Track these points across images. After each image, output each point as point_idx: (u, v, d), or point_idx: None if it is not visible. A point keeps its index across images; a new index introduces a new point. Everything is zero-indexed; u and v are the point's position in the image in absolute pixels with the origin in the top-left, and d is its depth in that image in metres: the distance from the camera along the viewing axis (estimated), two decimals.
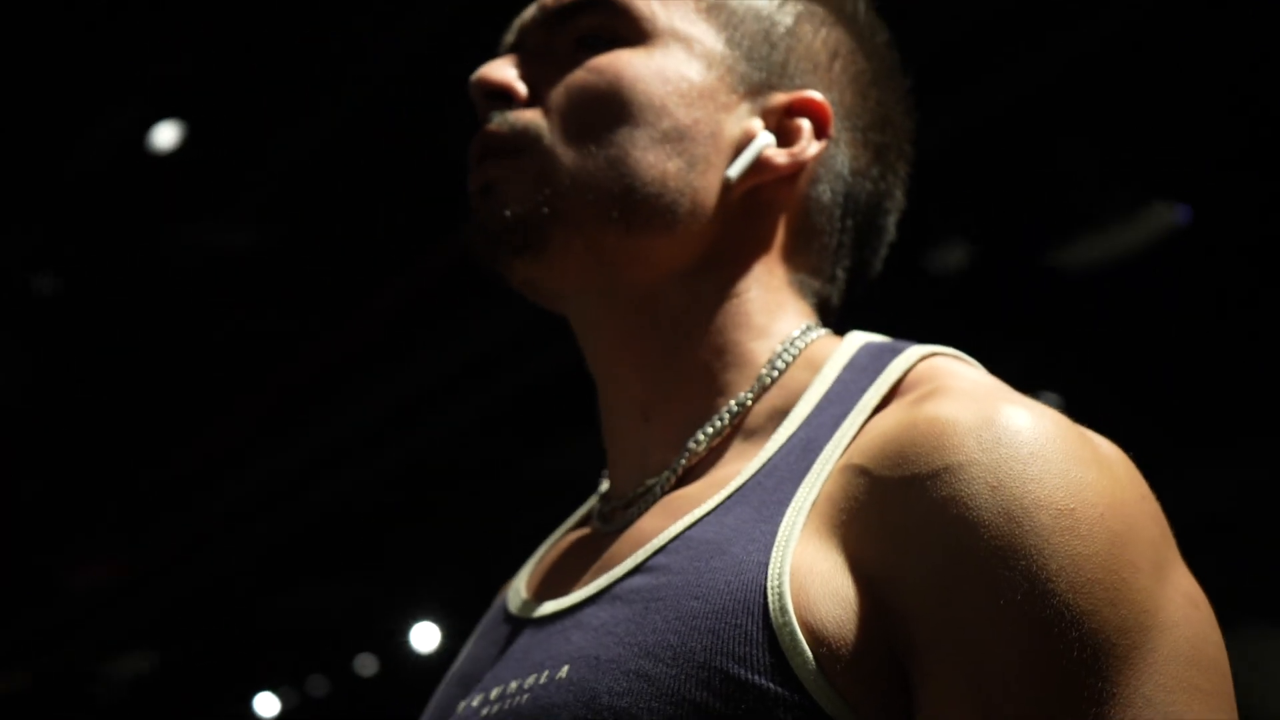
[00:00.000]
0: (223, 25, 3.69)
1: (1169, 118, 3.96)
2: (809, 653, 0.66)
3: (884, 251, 0.96)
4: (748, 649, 0.67)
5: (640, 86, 0.84)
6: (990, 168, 4.14)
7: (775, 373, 0.86)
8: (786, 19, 0.89)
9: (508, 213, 0.84)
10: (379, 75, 3.86)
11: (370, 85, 3.90)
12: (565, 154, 0.85)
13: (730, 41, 0.87)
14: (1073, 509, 0.64)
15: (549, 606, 0.83)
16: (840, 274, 0.93)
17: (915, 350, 0.81)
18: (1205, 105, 3.93)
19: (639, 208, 0.84)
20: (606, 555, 0.83)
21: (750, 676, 0.67)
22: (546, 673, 0.76)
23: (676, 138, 0.84)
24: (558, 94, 0.86)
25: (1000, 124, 3.82)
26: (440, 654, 8.36)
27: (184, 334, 4.95)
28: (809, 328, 0.89)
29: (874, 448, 0.73)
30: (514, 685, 0.78)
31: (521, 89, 0.87)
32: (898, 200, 0.96)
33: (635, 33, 0.86)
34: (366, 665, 9.24)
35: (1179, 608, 0.65)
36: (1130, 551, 0.64)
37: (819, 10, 0.92)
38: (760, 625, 0.68)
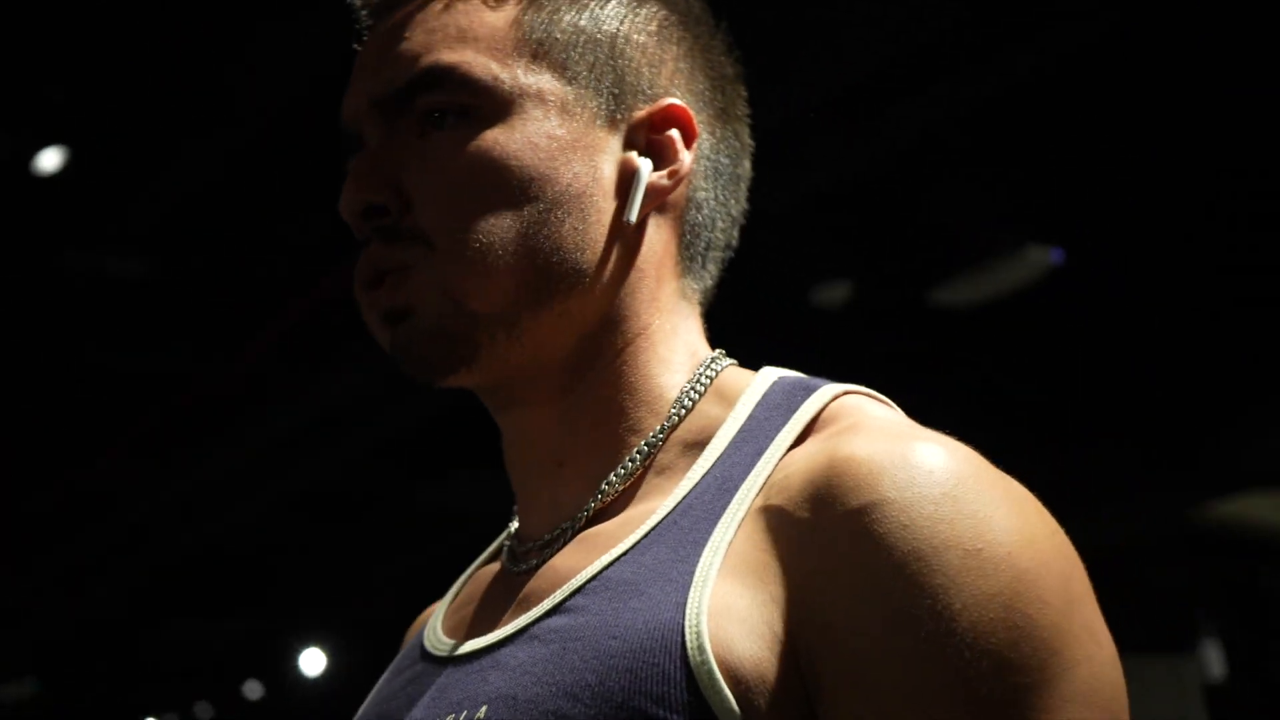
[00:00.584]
0: (110, 51, 3.56)
1: (1045, 169, 4.13)
2: (728, 692, 0.66)
3: (742, 222, 0.94)
4: (666, 689, 0.67)
5: (514, 164, 0.81)
6: (880, 210, 4.22)
7: (684, 408, 0.85)
8: (609, 26, 0.85)
9: (429, 332, 0.81)
10: (270, 105, 3.73)
11: (261, 116, 3.77)
12: (464, 257, 0.80)
13: (573, 80, 0.83)
14: (979, 549, 0.64)
15: (467, 646, 0.82)
16: (713, 265, 0.92)
17: (829, 388, 0.81)
18: (1080, 157, 4.08)
19: (549, 280, 0.82)
20: (523, 595, 0.82)
21: (668, 716, 0.66)
22: (465, 713, 0.75)
23: (564, 200, 0.82)
24: (435, 193, 0.81)
25: (888, 170, 3.91)
26: (326, 678, 8.47)
27: (66, 364, 4.83)
28: (715, 358, 0.88)
29: (791, 487, 0.72)
30: None
31: (388, 201, 0.82)
32: (749, 152, 0.93)
33: (484, 102, 0.81)
34: (253, 690, 9.25)
35: (1083, 645, 0.65)
36: (1037, 589, 0.65)
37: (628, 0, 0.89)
38: (679, 665, 0.68)
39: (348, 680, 8.41)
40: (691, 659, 0.67)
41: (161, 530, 5.83)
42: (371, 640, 8.11)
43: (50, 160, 3.81)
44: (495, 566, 0.92)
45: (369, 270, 0.83)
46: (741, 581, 0.70)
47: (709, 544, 0.73)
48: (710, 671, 0.66)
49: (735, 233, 0.93)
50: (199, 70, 3.67)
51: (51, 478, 5.67)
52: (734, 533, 0.73)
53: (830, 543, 0.67)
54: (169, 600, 6.99)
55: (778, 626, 0.68)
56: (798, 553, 0.69)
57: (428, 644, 0.88)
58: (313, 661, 8.44)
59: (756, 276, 4.19)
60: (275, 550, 6.94)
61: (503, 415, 0.88)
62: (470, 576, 0.96)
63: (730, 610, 0.68)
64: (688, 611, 0.69)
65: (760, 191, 0.93)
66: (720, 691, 0.65)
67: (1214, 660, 6.30)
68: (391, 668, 0.95)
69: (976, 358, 5.09)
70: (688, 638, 0.67)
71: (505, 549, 0.91)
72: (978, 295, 4.33)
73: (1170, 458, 5.36)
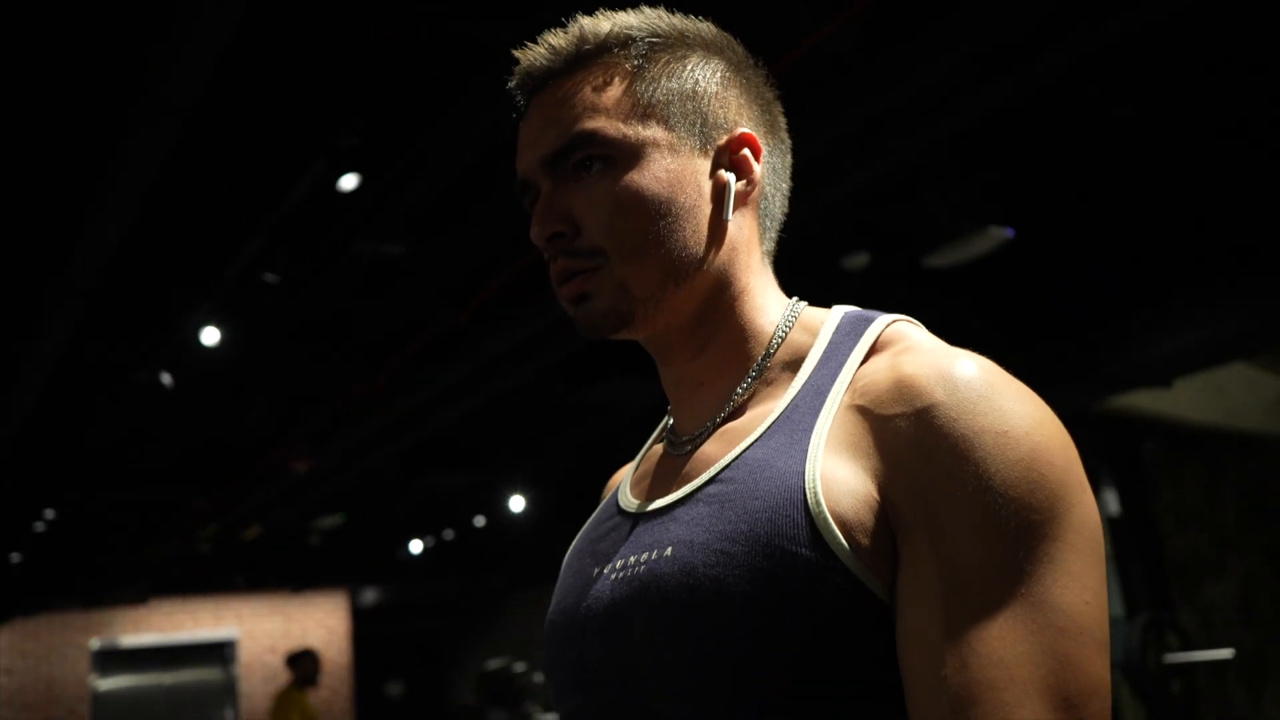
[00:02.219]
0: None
1: (1004, 165, 4.27)
2: (838, 532, 0.68)
3: (788, 204, 0.93)
4: (795, 530, 0.69)
5: (648, 194, 0.81)
6: (886, 205, 4.47)
7: (780, 339, 0.85)
8: (691, 84, 0.84)
9: (603, 311, 0.83)
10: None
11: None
12: (629, 262, 0.81)
13: (674, 128, 0.83)
14: (1006, 431, 0.66)
15: (651, 505, 0.83)
16: (774, 234, 0.92)
17: (883, 318, 0.82)
18: (1039, 156, 4.24)
19: (683, 271, 0.82)
20: (685, 470, 0.83)
21: (799, 550, 0.68)
22: (656, 551, 0.77)
23: (683, 213, 0.82)
24: (599, 220, 0.82)
25: (890, 181, 4.03)
26: (525, 517, 8.68)
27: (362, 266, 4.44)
28: (795, 302, 0.89)
29: (869, 391, 0.74)
30: (633, 559, 0.79)
31: (566, 229, 0.83)
32: (789, 148, 0.93)
33: (617, 153, 0.81)
34: (480, 521, 9.55)
35: (1076, 493, 0.66)
36: (1047, 455, 0.66)
37: (700, 54, 0.87)
38: (804, 514, 0.69)
39: (540, 520, 8.83)
40: (812, 510, 0.69)
41: (418, 420, 5.95)
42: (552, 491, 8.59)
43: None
44: (659, 449, 0.93)
45: (560, 273, 0.84)
46: (840, 456, 0.72)
47: (814, 431, 0.75)
48: (825, 517, 0.69)
49: (786, 206, 0.93)
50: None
51: (357, 378, 5.72)
52: (831, 423, 0.74)
53: (904, 431, 0.70)
54: (425, 458, 7.17)
55: (870, 487, 0.70)
56: (881, 438, 0.71)
57: (621, 502, 0.89)
58: (517, 504, 8.67)
59: (806, 247, 4.73)
60: (488, 432, 7.25)
61: (658, 356, 0.89)
62: (644, 456, 0.96)
63: (834, 476, 0.71)
64: (807, 478, 0.71)
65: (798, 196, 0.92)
66: (833, 532, 0.68)
67: (1112, 501, 6.52)
68: (593, 519, 0.95)
69: (952, 301, 5.29)
70: (808, 495, 0.70)
71: (666, 439, 0.92)
72: (952, 260, 4.41)
73: (1080, 365, 5.42)
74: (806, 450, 0.73)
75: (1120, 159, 4.19)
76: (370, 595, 12.83)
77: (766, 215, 0.90)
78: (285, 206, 3.83)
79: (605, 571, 0.81)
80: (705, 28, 0.88)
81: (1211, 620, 7.18)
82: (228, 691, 11.59)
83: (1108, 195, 4.64)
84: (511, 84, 0.87)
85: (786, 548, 0.69)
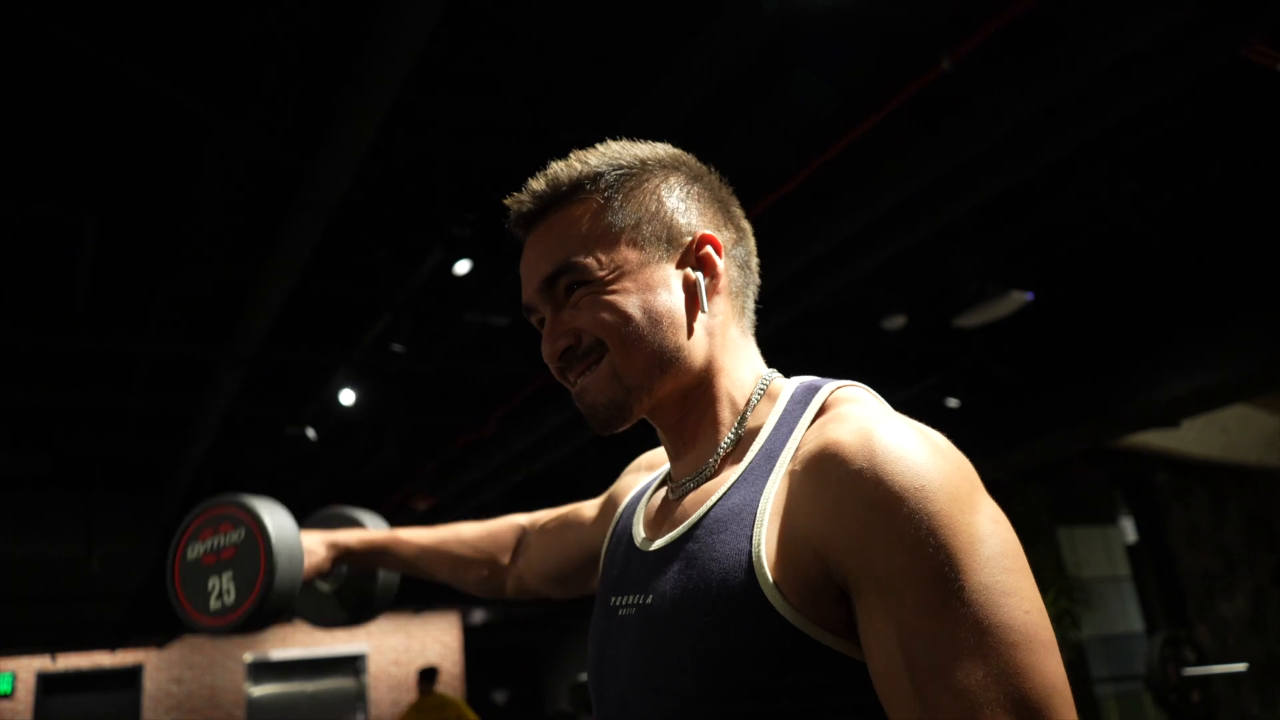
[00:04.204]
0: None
1: (1023, 234, 4.19)
2: (778, 592, 0.68)
3: (759, 278, 0.91)
4: (743, 592, 0.69)
5: (630, 305, 0.80)
6: (918, 273, 4.47)
7: (750, 408, 0.84)
8: (654, 205, 0.83)
9: (604, 404, 0.83)
10: None
11: None
12: (619, 353, 0.81)
13: (643, 246, 0.82)
14: (921, 486, 0.64)
15: (651, 547, 0.83)
16: (752, 306, 0.90)
17: (829, 386, 0.81)
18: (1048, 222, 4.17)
19: (667, 361, 0.82)
20: (673, 517, 0.83)
21: (747, 609, 0.69)
22: (644, 596, 0.79)
23: (661, 314, 0.81)
24: (594, 324, 0.81)
25: (914, 253, 3.95)
26: None
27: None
28: (768, 375, 0.87)
29: (803, 458, 0.72)
30: (630, 599, 0.80)
31: (571, 341, 0.83)
32: (749, 231, 0.91)
33: (595, 275, 0.81)
34: None
35: (990, 523, 0.65)
36: (958, 501, 0.65)
37: (659, 176, 0.85)
38: (751, 576, 0.70)
39: None
40: (757, 572, 0.69)
41: (520, 461, 6.02)
42: None
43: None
44: (662, 492, 0.91)
45: (571, 378, 0.84)
46: (780, 520, 0.71)
47: (764, 494, 0.74)
48: (767, 578, 0.69)
49: (758, 280, 0.90)
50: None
51: (468, 429, 5.82)
52: (776, 487, 0.73)
53: (831, 496, 0.68)
54: (527, 495, 6.92)
55: (810, 546, 0.69)
56: (817, 503, 0.69)
57: (635, 534, 0.88)
58: None
59: (847, 315, 4.68)
60: (578, 469, 6.94)
61: (654, 422, 0.87)
62: (653, 491, 0.94)
63: (774, 538, 0.70)
64: (753, 543, 0.71)
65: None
66: (774, 591, 0.68)
67: (1129, 529, 6.41)
68: (613, 535, 0.95)
69: (979, 354, 5.22)
70: (754, 559, 0.70)
71: (667, 483, 0.90)
72: (979, 320, 4.36)
73: (1096, 407, 5.38)
74: (756, 513, 0.73)
75: (1126, 227, 4.13)
76: (479, 614, 12.77)
77: (739, 295, 0.88)
78: (410, 287, 3.92)
79: (615, 604, 0.83)
80: (662, 150, 0.87)
81: (1225, 634, 6.93)
82: (359, 698, 11.63)
83: (1115, 259, 4.57)
84: (507, 226, 0.87)
85: (732, 606, 0.70)
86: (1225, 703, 6.72)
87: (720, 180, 0.90)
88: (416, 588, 10.63)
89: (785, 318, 4.20)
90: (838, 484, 0.67)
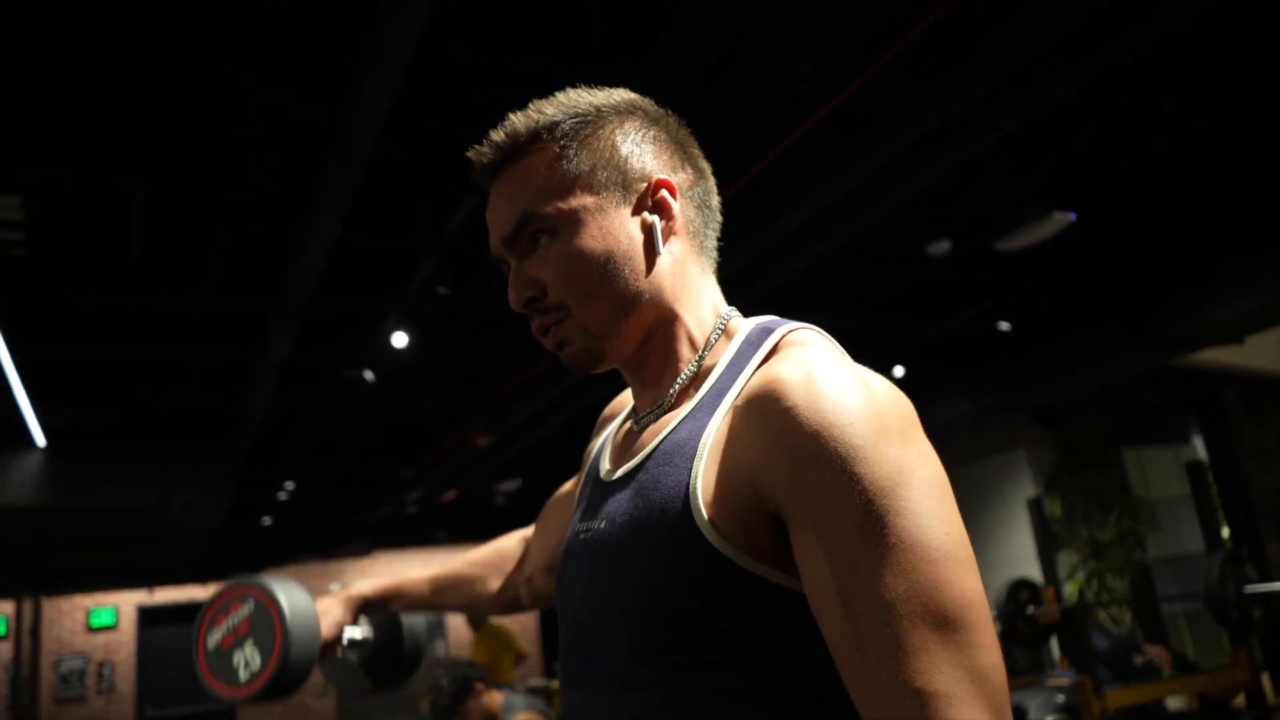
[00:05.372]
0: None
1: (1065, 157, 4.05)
2: (710, 523, 0.71)
3: (720, 211, 0.91)
4: (681, 521, 0.73)
5: (589, 251, 0.81)
6: (966, 200, 4.33)
7: (708, 346, 0.85)
8: (608, 151, 0.84)
9: (578, 352, 0.85)
10: None
11: None
12: (585, 309, 0.83)
13: (599, 190, 0.83)
14: (851, 421, 0.67)
15: (613, 476, 0.85)
16: (712, 244, 0.90)
17: (783, 328, 0.82)
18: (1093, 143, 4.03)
19: (629, 303, 0.83)
20: (632, 449, 0.86)
21: (685, 536, 0.72)
22: (600, 523, 0.82)
23: (621, 259, 0.82)
24: (556, 281, 0.82)
25: (957, 186, 4.04)
26: None
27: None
28: (727, 313, 0.88)
29: (749, 394, 0.74)
30: (590, 525, 0.83)
31: (534, 292, 0.84)
32: (708, 170, 0.91)
33: (556, 223, 0.82)
34: None
35: (919, 456, 0.68)
36: (886, 437, 0.67)
37: (614, 122, 0.85)
38: (687, 507, 0.73)
39: None
40: (692, 505, 0.73)
41: (570, 398, 6.06)
42: None
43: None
44: (628, 425, 0.93)
45: (539, 328, 0.86)
46: (719, 453, 0.74)
47: (707, 429, 0.76)
48: (702, 513, 0.72)
49: (719, 218, 0.91)
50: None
51: (518, 368, 5.83)
52: (719, 423, 0.76)
53: (772, 429, 0.70)
54: (579, 429, 6.97)
55: (745, 478, 0.71)
56: (756, 435, 0.71)
57: (600, 466, 0.91)
58: None
59: (896, 237, 4.60)
60: None
61: (619, 364, 0.89)
62: (620, 425, 0.96)
63: (715, 471, 0.73)
64: (691, 476, 0.74)
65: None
66: (708, 525, 0.71)
67: (1198, 447, 6.31)
68: (588, 468, 0.97)
69: (1024, 280, 5.10)
70: (690, 493, 0.73)
71: (631, 417, 0.93)
72: (1023, 243, 4.29)
73: (1157, 329, 5.34)
74: (698, 447, 0.76)
75: (1169, 146, 4.01)
76: None
77: (697, 235, 0.88)
78: (450, 233, 3.97)
79: (578, 529, 0.86)
80: (619, 96, 0.87)
81: None
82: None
83: (1161, 178, 4.43)
84: (472, 176, 0.88)
85: (670, 533, 0.73)
86: None
87: (679, 122, 0.90)
88: (485, 517, 10.85)
89: (826, 249, 4.16)
90: (775, 418, 0.70)
